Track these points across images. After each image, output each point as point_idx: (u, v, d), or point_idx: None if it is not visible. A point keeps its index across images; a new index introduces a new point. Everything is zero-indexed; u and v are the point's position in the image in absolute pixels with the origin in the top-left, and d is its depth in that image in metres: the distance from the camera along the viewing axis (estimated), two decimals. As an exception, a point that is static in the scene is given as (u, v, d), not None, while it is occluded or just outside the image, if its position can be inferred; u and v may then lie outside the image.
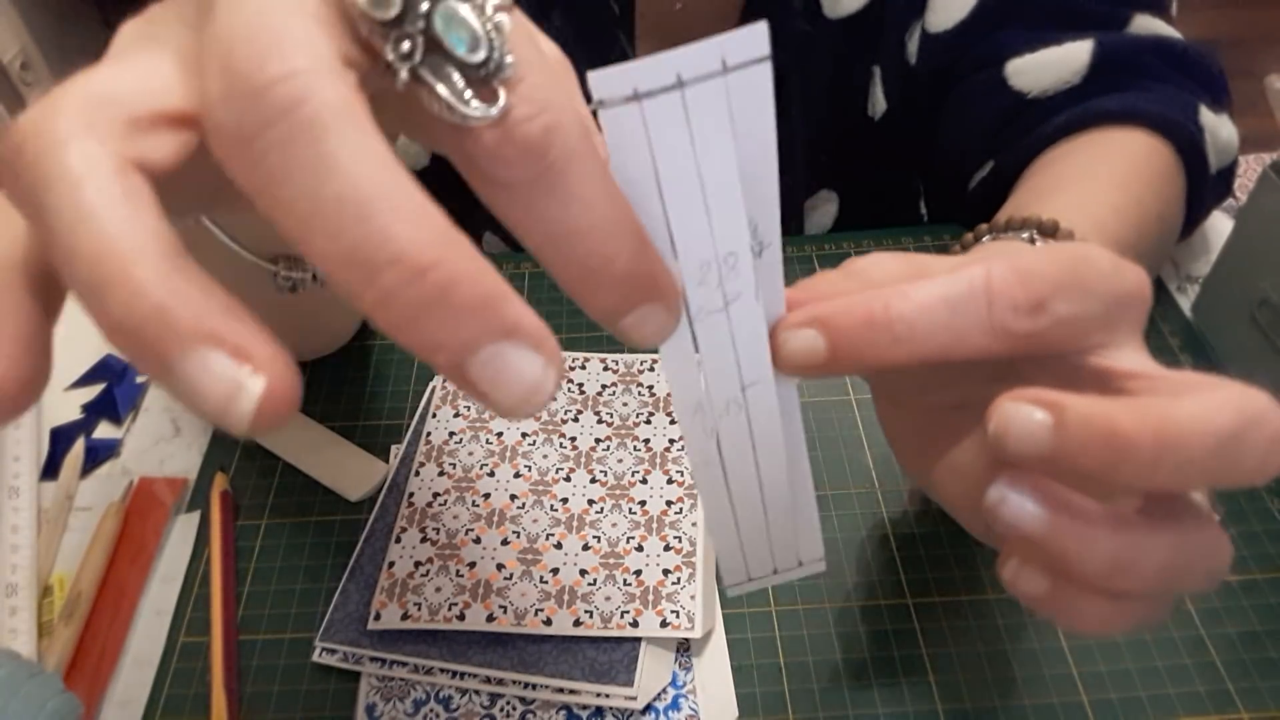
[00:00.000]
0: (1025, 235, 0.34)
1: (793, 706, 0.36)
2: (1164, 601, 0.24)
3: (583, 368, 0.48)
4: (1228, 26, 2.07)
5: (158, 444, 0.48)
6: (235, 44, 0.16)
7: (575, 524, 0.41)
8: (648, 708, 0.36)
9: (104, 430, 0.49)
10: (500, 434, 0.44)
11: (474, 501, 0.42)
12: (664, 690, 0.37)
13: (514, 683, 0.36)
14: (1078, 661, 0.37)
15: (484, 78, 0.17)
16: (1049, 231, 0.34)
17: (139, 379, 0.51)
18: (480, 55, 0.17)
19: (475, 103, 0.17)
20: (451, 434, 0.45)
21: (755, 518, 0.28)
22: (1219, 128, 0.48)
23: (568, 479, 0.43)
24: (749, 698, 0.37)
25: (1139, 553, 0.22)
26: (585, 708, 0.36)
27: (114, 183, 0.17)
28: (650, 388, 0.47)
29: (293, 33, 0.17)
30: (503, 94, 0.18)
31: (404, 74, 0.17)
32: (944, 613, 0.39)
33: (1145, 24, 0.50)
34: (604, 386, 0.47)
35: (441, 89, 0.17)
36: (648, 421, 0.45)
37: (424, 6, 0.17)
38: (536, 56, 0.18)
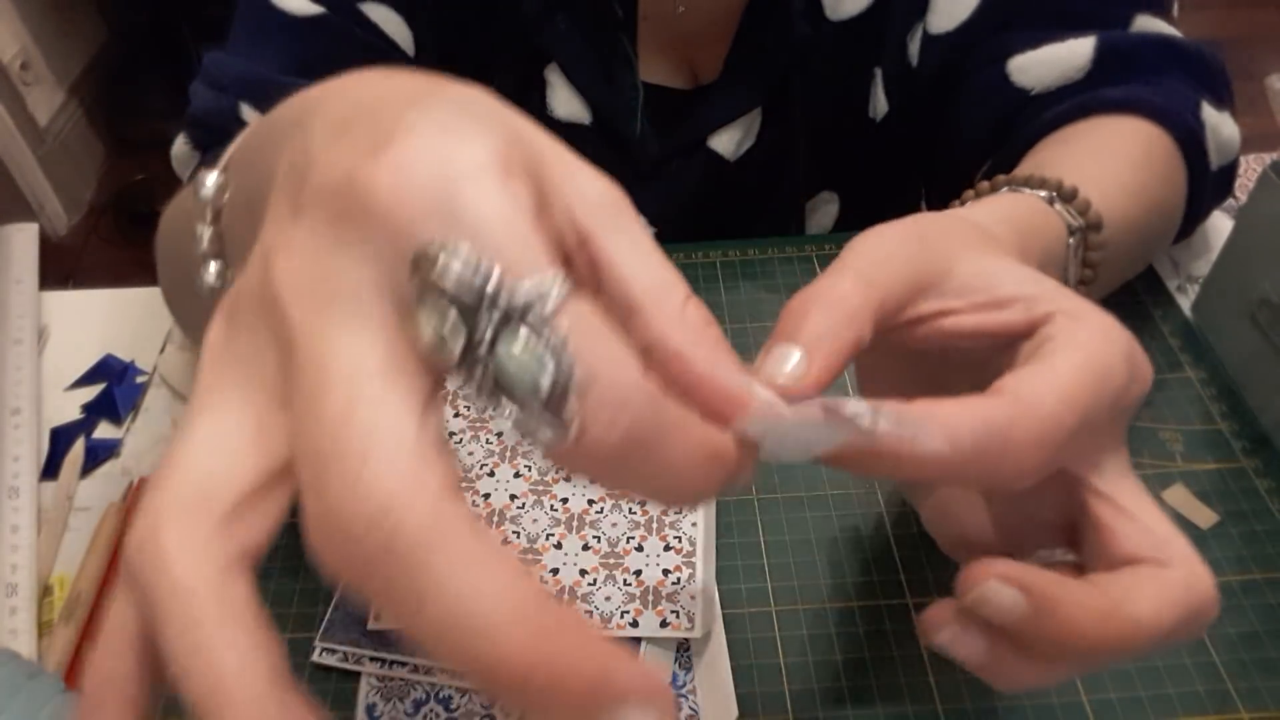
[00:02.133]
0: (1044, 195, 0.34)
1: (793, 706, 0.36)
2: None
3: (583, 368, 0.48)
4: (1228, 26, 2.07)
5: (158, 444, 0.48)
6: (322, 455, 0.17)
7: (575, 524, 0.41)
8: (648, 708, 0.36)
9: (104, 430, 0.49)
10: (500, 434, 0.44)
11: (474, 501, 0.42)
12: (664, 690, 0.37)
13: (514, 683, 0.36)
14: (1078, 661, 0.37)
15: (558, 398, 0.17)
16: (1068, 197, 0.34)
17: (139, 379, 0.51)
18: (546, 384, 0.17)
19: (546, 431, 0.17)
20: (451, 434, 0.45)
21: None
22: (1220, 125, 0.48)
23: (568, 479, 0.43)
24: (749, 698, 0.37)
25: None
26: (585, 708, 0.36)
27: (215, 602, 0.18)
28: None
29: (373, 432, 0.17)
30: (575, 418, 0.17)
31: (482, 401, 0.18)
32: (944, 613, 0.39)
33: (1147, 23, 0.50)
34: (604, 386, 0.47)
35: (515, 416, 0.18)
36: None
37: (482, 351, 0.17)
38: (602, 344, 0.18)
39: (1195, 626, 0.24)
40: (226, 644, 0.17)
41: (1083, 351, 0.24)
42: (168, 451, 0.20)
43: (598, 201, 0.20)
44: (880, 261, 0.26)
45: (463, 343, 0.17)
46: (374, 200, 0.18)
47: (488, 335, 0.17)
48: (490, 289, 0.17)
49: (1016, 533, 0.28)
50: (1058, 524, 0.28)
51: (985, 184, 0.36)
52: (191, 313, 0.44)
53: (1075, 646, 0.23)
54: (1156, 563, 0.25)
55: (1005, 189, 0.35)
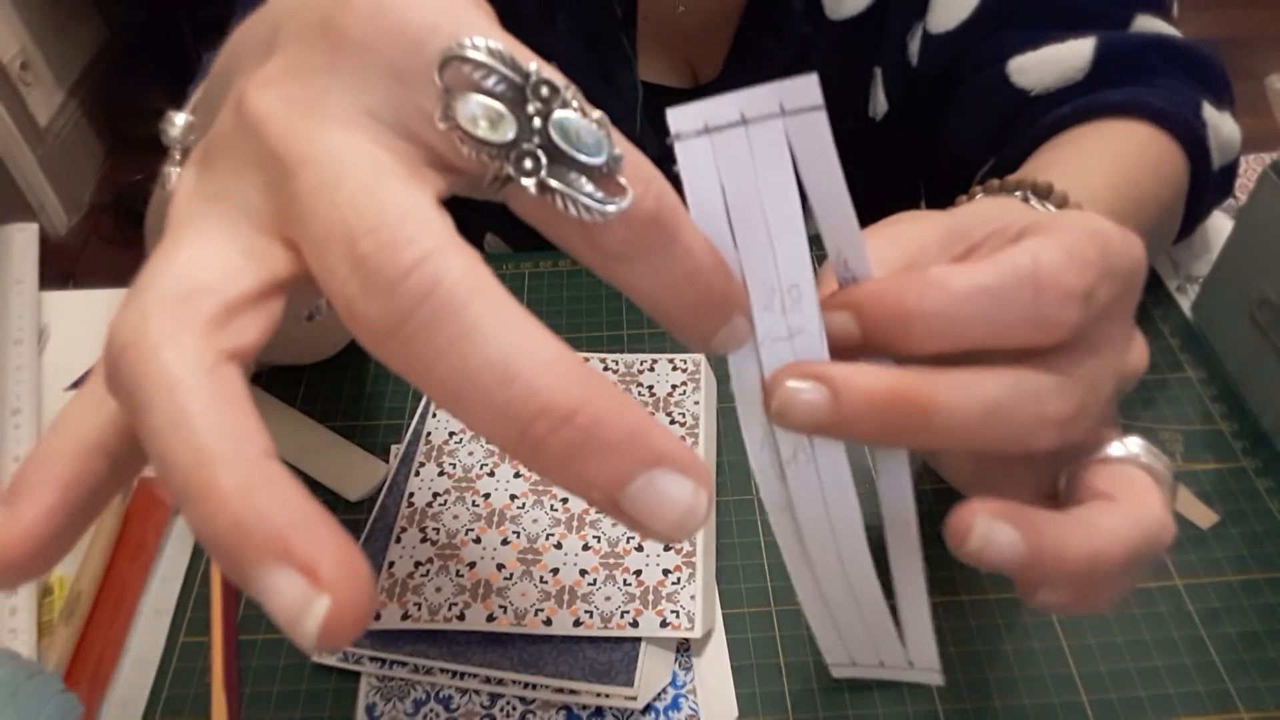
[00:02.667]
0: (1019, 194, 0.33)
1: (793, 706, 0.36)
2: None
3: (583, 368, 0.48)
4: (1228, 26, 2.07)
5: (158, 444, 0.48)
6: (351, 227, 0.17)
7: (575, 524, 0.41)
8: (648, 708, 0.36)
9: (104, 430, 0.49)
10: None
11: (474, 501, 0.42)
12: (664, 690, 0.37)
13: (514, 683, 0.36)
14: (1078, 661, 0.37)
15: (607, 174, 0.19)
16: (1043, 194, 0.33)
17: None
18: (602, 157, 0.19)
19: (611, 203, 0.19)
20: (451, 434, 0.45)
21: (841, 593, 0.26)
22: (1221, 124, 0.48)
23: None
24: (749, 698, 0.37)
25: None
26: (585, 708, 0.36)
27: (205, 386, 0.17)
28: (650, 388, 0.47)
29: (402, 203, 0.17)
30: (627, 186, 0.19)
31: (532, 188, 0.18)
32: (944, 613, 0.39)
33: (1146, 24, 0.50)
34: (604, 386, 0.47)
35: (577, 195, 0.19)
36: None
37: (537, 122, 0.18)
38: (618, 132, 0.19)
39: (1150, 555, 0.25)
40: (213, 426, 0.17)
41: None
42: (145, 267, 0.19)
43: None
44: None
45: (515, 126, 0.18)
46: (357, 24, 0.18)
47: (538, 119, 0.18)
48: (533, 76, 0.18)
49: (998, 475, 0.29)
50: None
51: (962, 197, 0.36)
52: None
53: (1059, 574, 0.24)
54: (1108, 497, 0.25)
55: (980, 195, 0.35)
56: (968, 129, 0.53)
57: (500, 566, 0.39)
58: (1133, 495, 0.25)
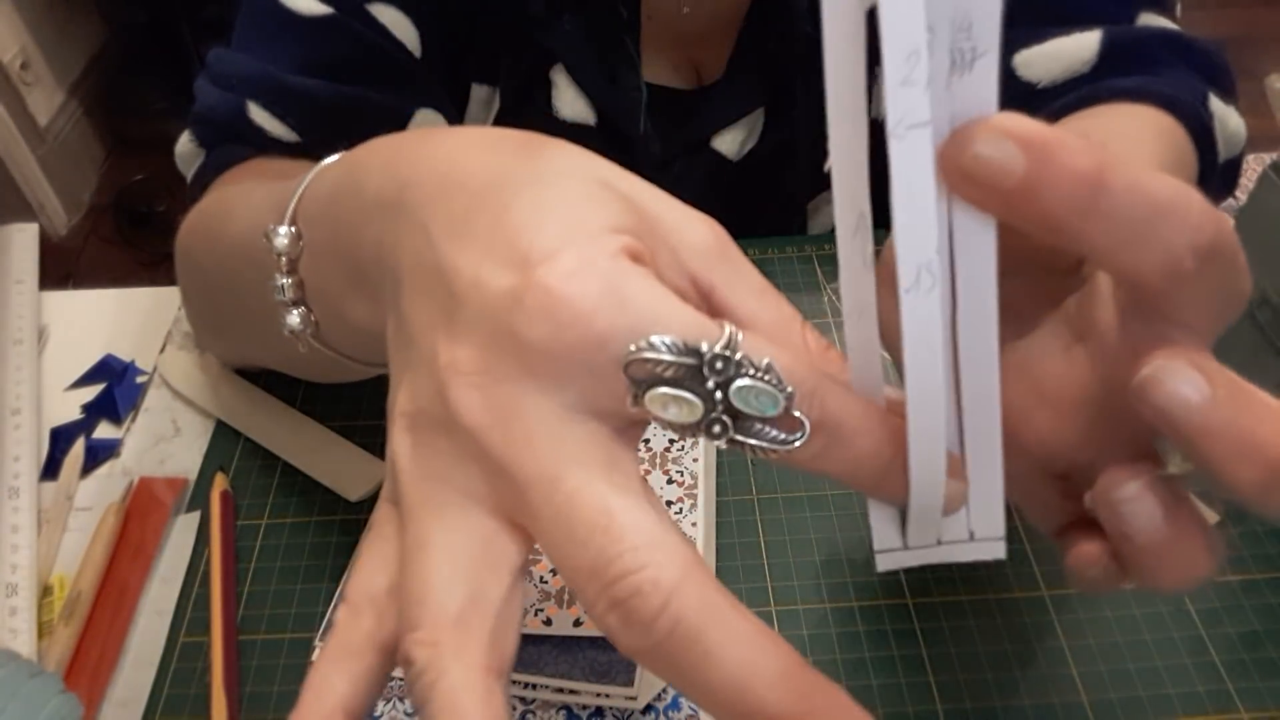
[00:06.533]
0: None
1: (793, 706, 0.36)
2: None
3: (583, 368, 0.48)
4: (1228, 26, 2.07)
5: (158, 444, 0.48)
6: (599, 572, 0.20)
7: (575, 524, 0.41)
8: (648, 708, 0.36)
9: (104, 430, 0.49)
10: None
11: (474, 501, 0.42)
12: (664, 690, 0.37)
13: (514, 682, 0.36)
14: (1078, 661, 0.37)
15: (785, 414, 0.21)
16: None
17: (139, 379, 0.51)
18: (779, 408, 0.21)
19: (794, 439, 0.21)
20: (451, 434, 0.45)
21: (932, 444, 0.22)
22: (1227, 117, 0.48)
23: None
24: (749, 698, 0.37)
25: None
26: (585, 707, 0.36)
27: (482, 712, 0.20)
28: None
29: (631, 525, 0.20)
30: (805, 421, 0.21)
31: (723, 444, 0.21)
32: (944, 613, 0.39)
33: (1151, 20, 0.50)
34: (604, 386, 0.47)
35: (764, 445, 0.21)
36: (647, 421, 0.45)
37: (718, 395, 0.21)
38: (791, 356, 0.22)
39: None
40: None
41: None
42: (407, 565, 0.22)
43: (705, 249, 0.24)
44: None
45: (701, 408, 0.21)
46: (535, 328, 0.21)
47: (719, 391, 0.21)
48: (706, 355, 0.20)
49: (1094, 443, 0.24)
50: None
51: None
52: (224, 325, 0.44)
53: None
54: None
55: None
56: None
57: (500, 566, 0.39)
58: None
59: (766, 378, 0.21)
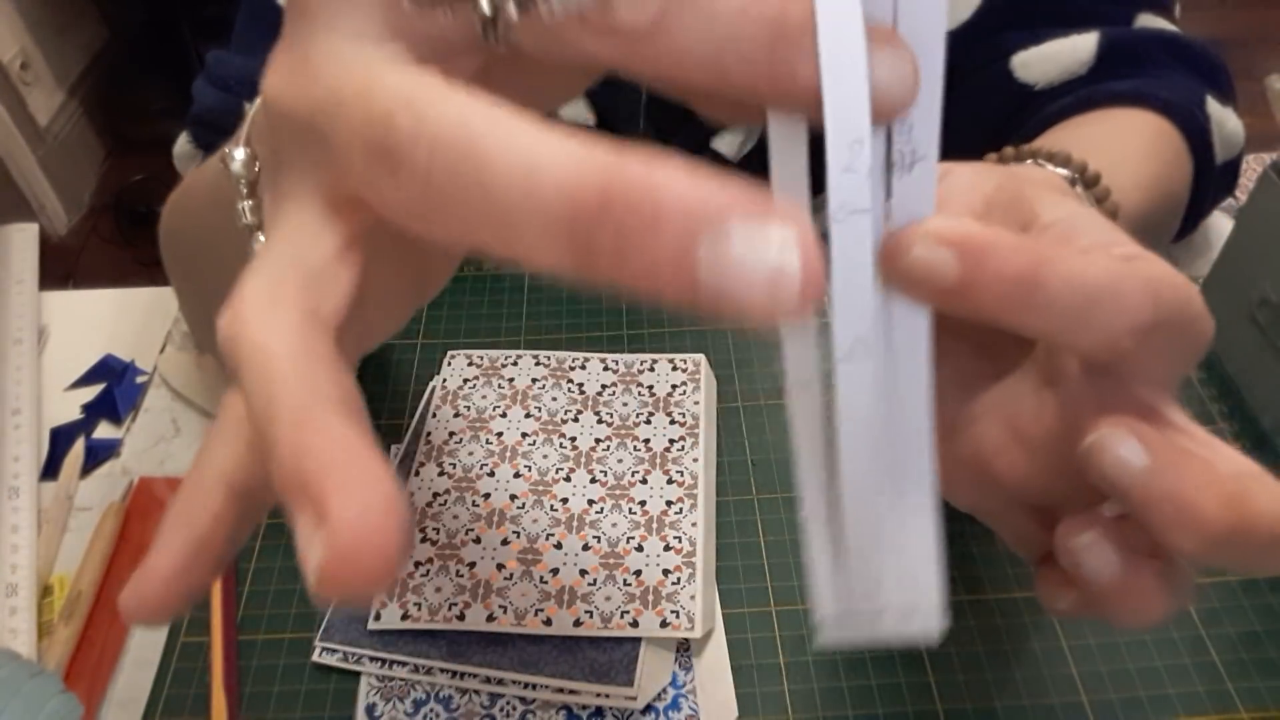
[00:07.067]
0: (1067, 174, 0.32)
1: (793, 706, 0.36)
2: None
3: (583, 368, 0.48)
4: (1228, 26, 2.07)
5: (158, 444, 0.48)
6: (348, 118, 0.18)
7: (575, 524, 0.41)
8: (648, 708, 0.36)
9: (104, 430, 0.49)
10: (500, 434, 0.44)
11: (474, 501, 0.42)
12: (664, 690, 0.37)
13: (514, 683, 0.36)
14: (1078, 661, 0.37)
15: None
16: (1091, 183, 0.32)
17: (139, 379, 0.51)
18: None
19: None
20: (451, 434, 0.45)
21: (867, 522, 0.22)
22: (1225, 119, 0.48)
23: (568, 479, 0.43)
24: (749, 698, 0.37)
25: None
26: (585, 708, 0.36)
27: (288, 344, 0.18)
28: (650, 388, 0.47)
29: (384, 76, 0.18)
30: None
31: (514, 12, 0.18)
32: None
33: (1149, 21, 0.50)
34: (604, 386, 0.47)
35: None
36: (648, 422, 0.45)
37: None
38: None
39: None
40: (288, 375, 0.17)
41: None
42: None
43: None
44: (964, 189, 0.24)
45: None
46: None
47: None
48: None
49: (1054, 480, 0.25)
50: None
51: (1010, 150, 0.35)
52: (205, 306, 0.44)
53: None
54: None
55: (1029, 161, 0.34)
56: (970, 124, 0.53)
57: (500, 566, 0.39)
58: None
59: None
